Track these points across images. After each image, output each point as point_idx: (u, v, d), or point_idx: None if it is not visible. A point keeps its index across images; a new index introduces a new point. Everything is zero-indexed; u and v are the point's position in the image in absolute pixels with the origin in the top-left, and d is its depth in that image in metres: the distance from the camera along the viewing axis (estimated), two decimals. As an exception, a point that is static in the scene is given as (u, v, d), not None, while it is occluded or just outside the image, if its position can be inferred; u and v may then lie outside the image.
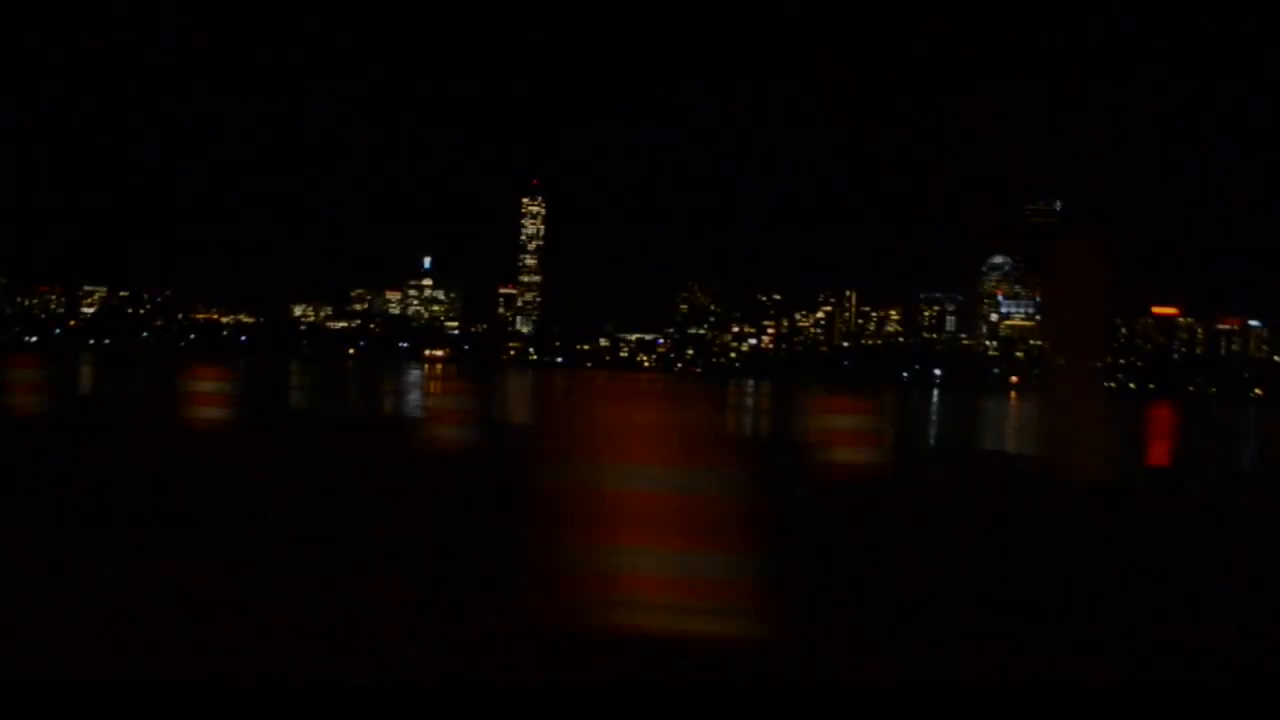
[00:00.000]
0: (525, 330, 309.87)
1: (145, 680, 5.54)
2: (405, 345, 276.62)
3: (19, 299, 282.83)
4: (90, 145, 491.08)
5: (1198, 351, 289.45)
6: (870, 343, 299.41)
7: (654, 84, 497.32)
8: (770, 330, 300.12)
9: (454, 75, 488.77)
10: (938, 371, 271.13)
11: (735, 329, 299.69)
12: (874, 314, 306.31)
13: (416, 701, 5.33)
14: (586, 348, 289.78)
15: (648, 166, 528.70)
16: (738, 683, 5.80)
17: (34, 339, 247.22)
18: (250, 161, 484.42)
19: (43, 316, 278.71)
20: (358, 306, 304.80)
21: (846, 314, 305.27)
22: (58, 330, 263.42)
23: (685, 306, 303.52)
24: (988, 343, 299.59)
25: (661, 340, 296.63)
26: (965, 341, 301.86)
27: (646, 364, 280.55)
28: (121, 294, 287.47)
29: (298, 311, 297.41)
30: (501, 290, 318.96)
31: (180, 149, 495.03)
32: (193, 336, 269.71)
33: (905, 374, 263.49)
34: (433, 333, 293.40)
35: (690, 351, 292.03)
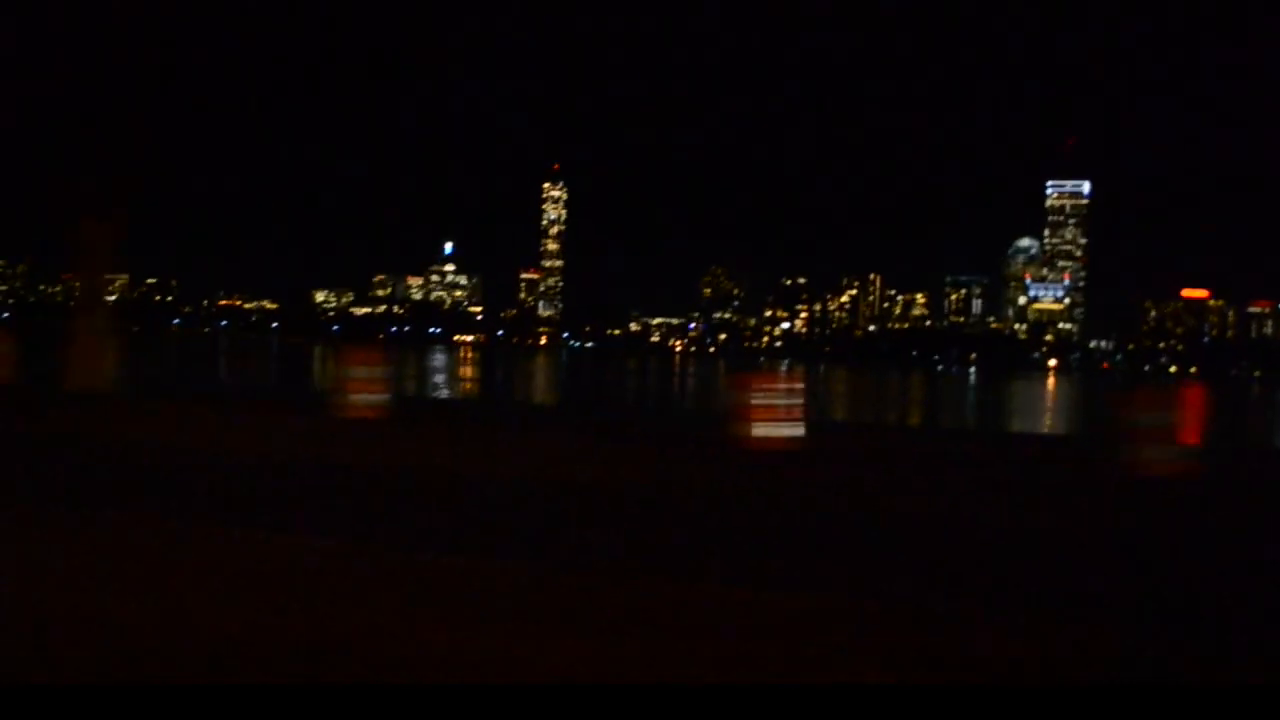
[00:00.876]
0: (548, 315, 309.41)
1: (144, 680, 5.53)
2: (436, 330, 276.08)
3: (42, 286, 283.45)
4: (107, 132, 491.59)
5: (1228, 335, 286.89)
6: (897, 326, 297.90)
7: (676, 69, 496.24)
8: (804, 314, 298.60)
9: (475, 59, 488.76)
10: (961, 359, 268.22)
11: (768, 313, 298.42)
12: (899, 297, 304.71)
13: (419, 701, 5.31)
14: (617, 332, 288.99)
15: (668, 151, 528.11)
16: (740, 682, 5.75)
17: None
18: (269, 147, 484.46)
19: (70, 304, 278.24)
20: (380, 292, 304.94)
21: (871, 297, 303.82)
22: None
23: (709, 290, 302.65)
24: (1016, 326, 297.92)
25: (693, 325, 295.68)
26: (993, 325, 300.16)
27: (679, 348, 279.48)
28: (149, 281, 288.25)
29: (320, 298, 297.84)
30: (524, 275, 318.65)
31: (196, 135, 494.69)
32: (224, 323, 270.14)
33: (937, 357, 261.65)
34: (460, 318, 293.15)
35: (723, 335, 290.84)
